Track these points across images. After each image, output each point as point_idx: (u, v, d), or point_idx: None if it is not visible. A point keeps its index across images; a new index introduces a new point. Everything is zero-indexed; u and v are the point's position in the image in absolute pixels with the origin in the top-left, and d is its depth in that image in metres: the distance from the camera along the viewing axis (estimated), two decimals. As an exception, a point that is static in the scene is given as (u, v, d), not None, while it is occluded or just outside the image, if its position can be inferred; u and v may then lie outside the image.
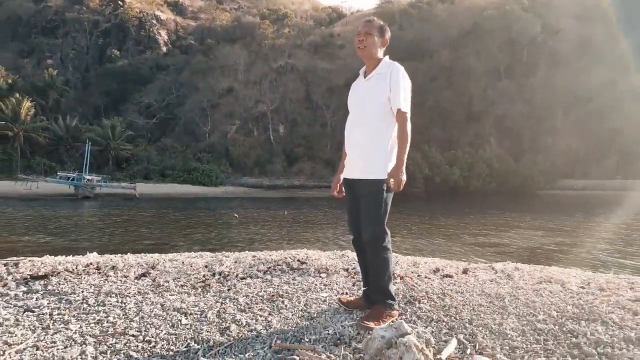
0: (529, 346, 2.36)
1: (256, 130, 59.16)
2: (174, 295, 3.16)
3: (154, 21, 77.12)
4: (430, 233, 18.53)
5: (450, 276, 3.56)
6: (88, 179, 40.20)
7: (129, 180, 46.71)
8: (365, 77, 2.91)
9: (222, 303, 2.99)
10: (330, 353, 2.27)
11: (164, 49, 76.36)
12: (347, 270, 3.80)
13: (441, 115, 51.31)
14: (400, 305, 2.96)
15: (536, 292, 3.17)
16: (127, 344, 2.33)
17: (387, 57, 2.92)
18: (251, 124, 58.90)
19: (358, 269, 3.59)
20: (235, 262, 4.09)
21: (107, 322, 2.62)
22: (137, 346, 2.32)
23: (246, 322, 2.67)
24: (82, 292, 3.17)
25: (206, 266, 3.97)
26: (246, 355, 2.24)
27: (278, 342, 2.40)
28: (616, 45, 50.19)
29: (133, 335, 2.45)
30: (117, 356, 2.20)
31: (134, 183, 43.35)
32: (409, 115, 2.78)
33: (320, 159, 53.99)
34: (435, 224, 21.93)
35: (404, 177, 2.71)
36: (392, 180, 2.68)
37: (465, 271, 3.72)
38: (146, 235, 17.50)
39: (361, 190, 2.82)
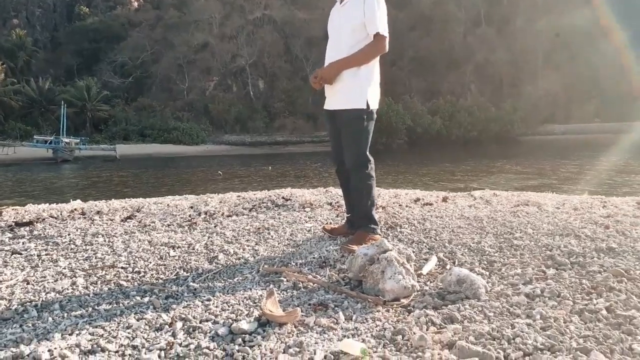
0: (505, 260, 2.46)
1: (235, 85, 58.13)
2: (160, 233, 3.20)
3: (123, -26, 73.81)
4: (411, 182, 18.75)
5: (431, 204, 3.66)
6: (66, 142, 39.43)
7: (108, 142, 45.96)
8: (340, 2, 2.87)
9: (209, 237, 3.05)
10: (316, 274, 2.35)
11: (135, 3, 73.45)
12: (330, 204, 3.88)
13: (421, 65, 50.88)
14: (383, 230, 3.05)
15: (514, 213, 3.28)
16: (117, 275, 2.38)
17: None
18: (230, 79, 57.78)
19: (341, 202, 3.66)
20: (221, 202, 4.13)
21: (96, 258, 2.66)
22: (127, 276, 2.37)
23: (234, 251, 2.73)
24: (69, 234, 3.19)
25: (191, 207, 4.01)
26: (235, 280, 2.30)
27: (265, 266, 2.47)
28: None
29: (122, 268, 2.49)
30: (108, 285, 2.25)
31: (113, 145, 42.69)
32: (387, 41, 2.76)
33: (301, 114, 53.52)
34: (417, 172, 22.17)
35: (329, 79, 2.78)
36: (320, 72, 2.79)
37: (445, 199, 3.83)
38: (130, 193, 17.41)
39: (342, 120, 2.83)
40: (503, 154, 30.62)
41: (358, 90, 2.75)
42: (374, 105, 2.82)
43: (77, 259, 2.65)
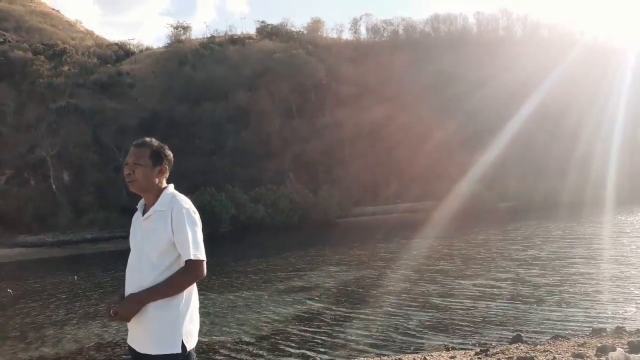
0: None
1: (33, 179, 51.51)
2: None
3: None
4: (241, 284, 18.04)
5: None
6: None
7: None
8: (143, 214, 2.35)
9: None
10: None
11: None
12: None
13: (242, 155, 52.03)
14: None
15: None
16: None
17: (169, 187, 2.38)
18: (27, 173, 51.08)
19: None
20: None
21: None
22: None
23: None
24: None
25: None
26: None
27: None
28: (388, 86, 57.90)
29: None
30: None
31: None
32: (205, 264, 2.27)
33: (115, 206, 49.26)
34: (246, 270, 21.53)
35: (129, 316, 2.13)
36: (117, 308, 2.14)
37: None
38: None
39: None
40: (323, 241, 31.99)
41: (170, 329, 2.14)
42: (192, 344, 2.23)
43: None
